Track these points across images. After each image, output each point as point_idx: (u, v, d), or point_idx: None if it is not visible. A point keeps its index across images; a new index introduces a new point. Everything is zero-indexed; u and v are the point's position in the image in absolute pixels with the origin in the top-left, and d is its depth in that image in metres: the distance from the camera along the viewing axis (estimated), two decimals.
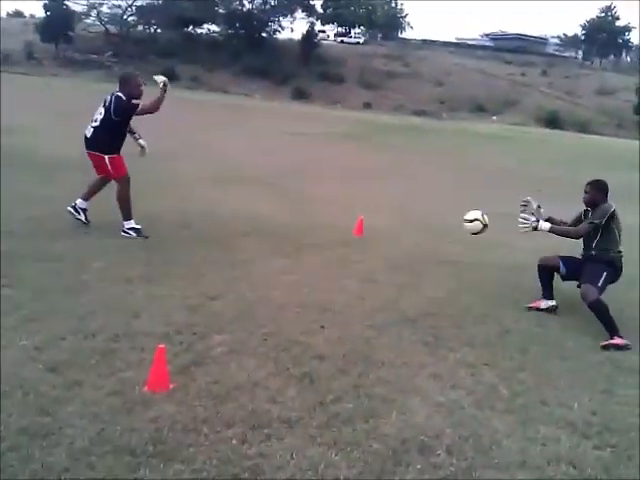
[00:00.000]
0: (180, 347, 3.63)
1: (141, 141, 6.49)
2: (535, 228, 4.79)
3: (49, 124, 16.18)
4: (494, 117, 58.76)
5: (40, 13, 67.89)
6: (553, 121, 57.83)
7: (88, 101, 25.74)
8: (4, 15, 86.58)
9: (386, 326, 4.36)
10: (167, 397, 3.07)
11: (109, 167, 6.12)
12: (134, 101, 6.03)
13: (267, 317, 4.29)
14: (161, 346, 3.20)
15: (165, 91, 6.17)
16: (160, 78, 6.22)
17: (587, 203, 4.94)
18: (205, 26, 74.09)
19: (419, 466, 2.72)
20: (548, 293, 5.09)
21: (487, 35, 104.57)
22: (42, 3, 64.51)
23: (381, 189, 11.13)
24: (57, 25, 61.02)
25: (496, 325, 4.61)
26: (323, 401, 3.19)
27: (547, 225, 4.84)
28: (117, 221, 6.24)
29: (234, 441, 2.76)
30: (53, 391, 3.00)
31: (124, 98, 6.00)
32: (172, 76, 58.96)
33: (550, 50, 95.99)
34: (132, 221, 6.09)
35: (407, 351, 3.97)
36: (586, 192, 4.91)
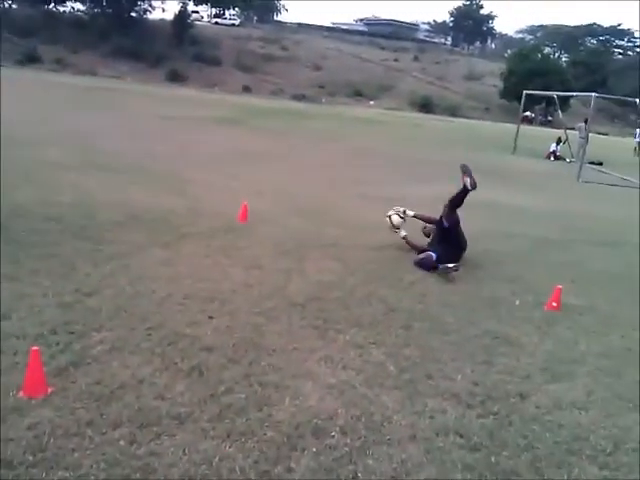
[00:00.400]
0: (56, 348, 3.39)
1: None
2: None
3: None
4: (371, 102, 60.42)
5: None
6: (426, 105, 60.60)
7: None
8: None
9: (275, 312, 4.35)
10: (45, 402, 2.86)
11: None
12: None
13: (149, 311, 4.10)
14: (35, 348, 2.96)
15: None
16: None
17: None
18: (68, 4, 69.50)
19: (314, 449, 2.74)
20: None
21: (361, 20, 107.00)
22: None
23: (262, 173, 11.04)
24: None
25: (381, 304, 4.75)
26: (214, 393, 3.12)
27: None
28: None
29: (122, 442, 2.63)
30: None
31: None
32: (33, 57, 55.00)
33: (421, 36, 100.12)
34: None
35: (297, 336, 3.98)
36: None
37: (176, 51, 63.50)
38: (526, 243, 7.48)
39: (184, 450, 2.63)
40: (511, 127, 31.40)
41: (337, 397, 3.24)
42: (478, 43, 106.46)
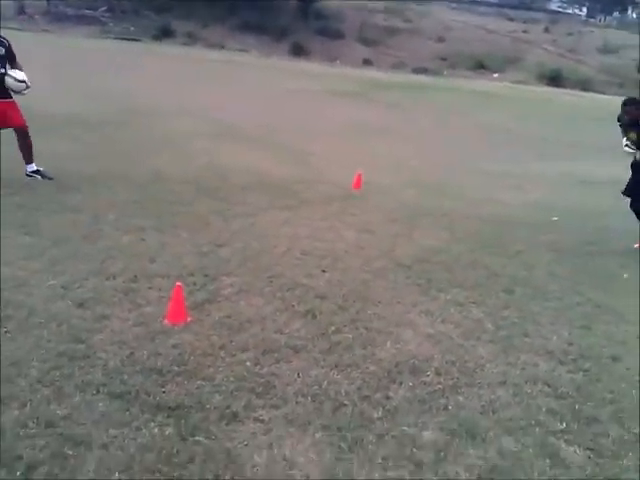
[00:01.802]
0: (194, 287, 3.98)
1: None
2: None
3: (42, 80, 16.11)
4: (495, 75, 58.17)
5: None
6: (555, 79, 57.32)
7: (80, 57, 25.64)
8: None
9: (382, 271, 4.72)
10: (185, 328, 3.43)
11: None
12: None
13: (271, 263, 4.63)
14: (178, 283, 3.55)
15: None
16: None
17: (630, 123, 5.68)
18: None
19: (410, 383, 3.10)
20: None
21: None
22: None
23: (381, 146, 11.36)
24: None
25: (484, 270, 4.96)
26: (325, 332, 3.56)
27: None
28: (125, 175, 6.57)
29: (248, 363, 3.13)
30: (83, 323, 3.36)
31: None
32: (168, 32, 58.33)
33: (553, 7, 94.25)
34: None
35: (401, 292, 4.33)
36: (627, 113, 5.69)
37: (300, 24, 64.54)
38: None
39: (298, 374, 3.09)
40: None
41: (434, 345, 3.56)
42: (617, 13, 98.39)
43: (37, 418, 2.54)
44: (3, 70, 5.92)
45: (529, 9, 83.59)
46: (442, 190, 7.98)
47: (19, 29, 47.08)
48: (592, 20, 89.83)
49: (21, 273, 3.92)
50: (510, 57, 64.23)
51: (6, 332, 3.18)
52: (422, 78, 46.59)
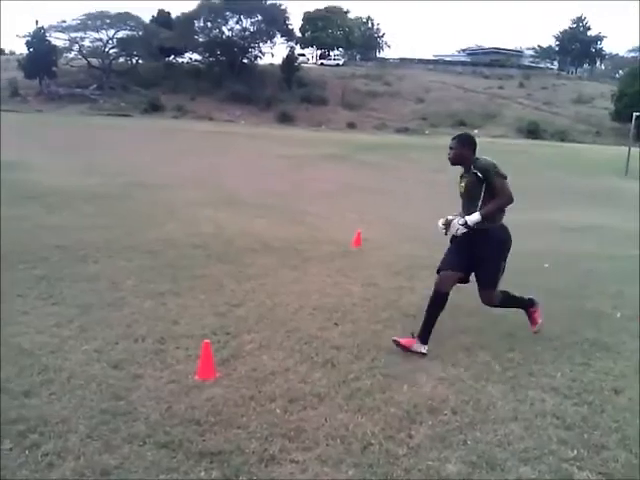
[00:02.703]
0: (218, 345, 4.23)
1: None
2: (466, 223, 4.24)
3: (41, 158, 16.68)
4: (475, 130, 59.96)
5: (22, 50, 68.71)
6: (533, 131, 59.33)
7: (75, 135, 26.36)
8: None
9: (390, 321, 5.00)
10: (215, 383, 3.67)
11: None
12: None
13: (286, 318, 4.91)
14: (207, 341, 3.82)
15: None
16: None
17: (454, 160, 4.44)
18: (186, 55, 75.24)
19: (430, 422, 3.34)
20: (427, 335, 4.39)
21: (464, 50, 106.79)
22: (24, 40, 65.26)
23: (371, 205, 11.81)
24: (40, 61, 61.76)
25: (486, 316, 5.24)
26: (345, 380, 3.81)
27: (476, 215, 4.23)
28: (137, 244, 6.90)
29: (277, 411, 3.37)
30: (120, 382, 3.60)
31: None
32: (157, 106, 60.18)
33: (526, 62, 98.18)
34: None
35: None
36: (452, 148, 4.41)
37: (286, 93, 66.75)
38: (631, 264, 7.62)
39: (325, 419, 3.32)
40: (623, 150, 30.25)
41: (448, 387, 3.82)
42: (586, 65, 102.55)
43: (92, 468, 2.76)
44: None
45: (503, 66, 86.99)
46: (435, 243, 8.30)
47: (14, 110, 48.54)
48: (564, 73, 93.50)
49: (54, 340, 4.17)
50: (488, 113, 66.58)
51: (50, 394, 3.41)
52: (404, 138, 48.10)
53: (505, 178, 4.33)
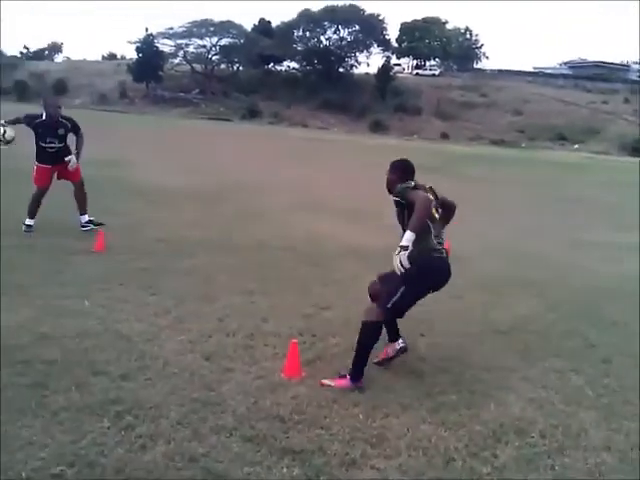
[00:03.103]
0: (304, 346, 4.30)
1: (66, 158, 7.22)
2: (402, 247, 3.73)
3: (145, 157, 17.59)
4: (576, 146, 57.66)
5: (132, 54, 72.88)
6: (638, 149, 56.09)
7: (177, 136, 27.59)
8: (100, 58, 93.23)
9: (479, 336, 4.89)
10: (301, 382, 3.74)
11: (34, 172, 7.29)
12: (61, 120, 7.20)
13: None
14: (294, 341, 3.90)
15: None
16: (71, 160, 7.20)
17: (386, 186, 4.25)
18: (284, 63, 77.09)
19: (516, 444, 3.24)
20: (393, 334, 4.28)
21: (566, 63, 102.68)
22: (135, 45, 69.22)
23: (460, 217, 11.56)
24: (148, 65, 65.32)
25: (581, 339, 5.03)
26: (430, 392, 3.77)
27: (406, 234, 3.73)
28: (231, 243, 7.16)
29: (360, 416, 3.38)
30: (211, 374, 3.74)
31: (42, 117, 7.14)
32: (255, 112, 62.10)
33: (633, 77, 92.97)
34: (29, 220, 7.16)
35: (500, 357, 4.48)
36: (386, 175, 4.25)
37: (379, 102, 66.86)
38: None
39: (408, 429, 3.30)
40: None
41: (536, 409, 3.68)
42: None
43: (181, 454, 2.88)
44: (61, 144, 7.23)
45: (607, 80, 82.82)
46: (528, 259, 8.09)
47: (122, 112, 51.53)
48: None
49: (152, 329, 4.39)
50: (590, 128, 63.65)
51: (146, 380, 3.59)
52: (500, 150, 46.83)
53: (418, 189, 3.97)
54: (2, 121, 7.01)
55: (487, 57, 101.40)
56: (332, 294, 5.68)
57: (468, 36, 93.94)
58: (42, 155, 7.16)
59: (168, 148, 22.29)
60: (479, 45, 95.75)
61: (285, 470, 2.84)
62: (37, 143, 7.14)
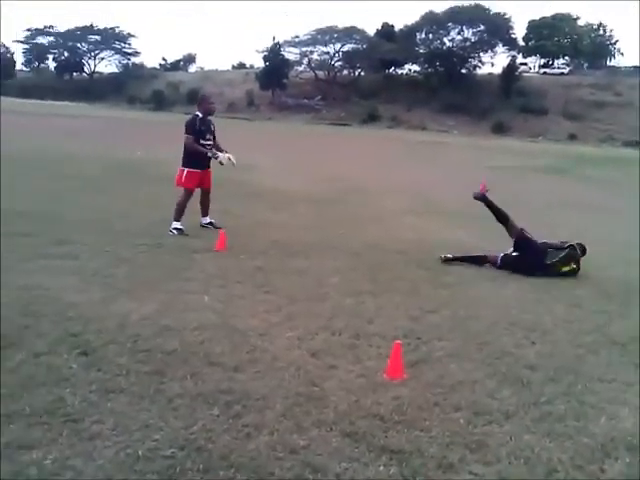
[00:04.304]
0: (408, 347, 4.33)
1: (220, 156, 7.65)
2: None
3: (267, 161, 18.28)
4: None
5: (259, 63, 75.99)
6: None
7: (298, 141, 28.43)
8: (230, 68, 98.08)
9: (594, 346, 4.66)
10: (402, 384, 3.78)
11: (181, 177, 7.70)
12: (209, 117, 7.79)
13: (480, 331, 4.84)
14: (398, 342, 3.95)
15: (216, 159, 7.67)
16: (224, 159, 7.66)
17: None
18: (405, 66, 76.74)
19: (627, 460, 3.08)
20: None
21: None
22: (262, 54, 72.16)
23: (587, 222, 10.98)
24: (274, 73, 67.87)
25: None
26: (536, 401, 3.66)
27: None
28: (344, 245, 7.35)
29: (461, 421, 3.37)
30: (316, 370, 3.89)
31: (200, 115, 7.64)
32: (375, 116, 62.46)
33: None
34: (177, 223, 7.59)
35: (616, 369, 4.24)
36: None
37: (503, 103, 64.63)
38: None
39: (510, 437, 3.24)
40: None
41: None
42: None
43: (283, 445, 3.03)
44: (213, 141, 7.85)
45: None
46: None
47: (248, 119, 53.91)
48: None
49: (263, 324, 4.63)
50: None
51: (255, 372, 3.81)
52: (633, 152, 43.55)
53: None
54: (225, 155, 7.72)
55: (622, 54, 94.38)
56: (440, 298, 5.65)
57: (602, 32, 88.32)
58: (193, 159, 7.66)
59: (288, 153, 23.04)
60: (613, 41, 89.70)
61: (382, 468, 2.90)
62: (189, 147, 7.61)
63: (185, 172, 7.67)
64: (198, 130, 7.61)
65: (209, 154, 7.63)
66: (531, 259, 6.84)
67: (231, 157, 7.71)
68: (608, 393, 3.85)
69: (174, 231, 7.55)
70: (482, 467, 2.96)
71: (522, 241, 6.94)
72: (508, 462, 3.02)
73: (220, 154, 7.69)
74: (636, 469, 3.02)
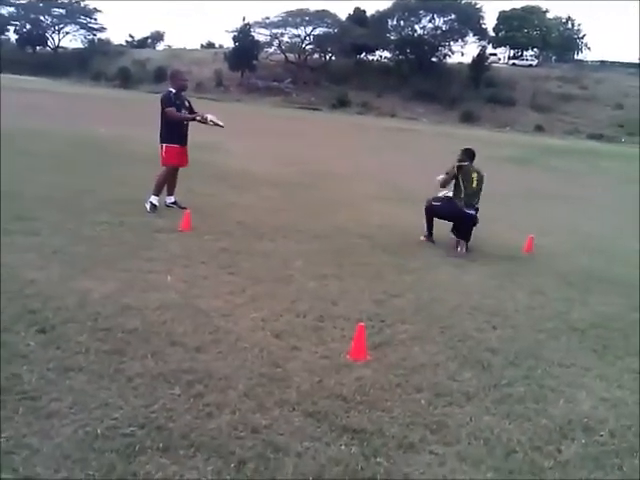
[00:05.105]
0: (372, 330, 4.34)
1: (208, 117, 7.55)
2: None
3: (234, 143, 18.01)
4: None
5: (229, 44, 74.88)
6: None
7: (267, 124, 28.11)
8: (199, 47, 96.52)
9: (555, 332, 4.75)
10: (365, 365, 3.79)
11: (162, 154, 7.58)
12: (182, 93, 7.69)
13: (443, 314, 4.88)
14: (361, 324, 3.95)
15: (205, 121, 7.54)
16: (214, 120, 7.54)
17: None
18: (377, 53, 76.64)
19: (583, 441, 3.15)
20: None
21: None
22: (232, 34, 71.12)
23: (551, 212, 11.18)
24: (243, 54, 66.98)
25: None
26: (497, 384, 3.71)
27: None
28: (310, 229, 7.28)
29: (422, 402, 3.39)
30: (280, 351, 3.86)
31: (173, 91, 7.54)
32: (345, 101, 62.27)
33: None
34: (156, 198, 7.55)
35: (575, 355, 4.33)
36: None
37: (472, 92, 65.18)
38: None
39: (470, 418, 3.27)
40: None
41: (609, 409, 3.55)
42: None
43: (245, 424, 3.01)
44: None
45: None
46: (617, 256, 7.73)
47: (216, 99, 53.16)
48: None
49: (227, 305, 4.58)
50: None
51: (218, 352, 3.76)
52: (597, 145, 44.52)
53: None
54: (206, 117, 7.55)
55: (589, 48, 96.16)
56: (405, 282, 5.67)
57: (570, 26, 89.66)
58: (175, 134, 7.54)
59: (257, 136, 22.81)
60: (581, 35, 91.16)
61: (343, 447, 2.90)
62: (176, 117, 7.49)
63: (164, 148, 7.56)
64: (174, 104, 7.48)
65: (197, 118, 7.58)
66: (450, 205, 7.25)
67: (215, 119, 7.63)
68: (567, 377, 3.92)
69: (147, 205, 7.47)
70: (442, 447, 2.99)
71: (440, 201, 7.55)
72: (468, 443, 3.05)
73: (207, 115, 7.61)
74: (592, 449, 3.08)
